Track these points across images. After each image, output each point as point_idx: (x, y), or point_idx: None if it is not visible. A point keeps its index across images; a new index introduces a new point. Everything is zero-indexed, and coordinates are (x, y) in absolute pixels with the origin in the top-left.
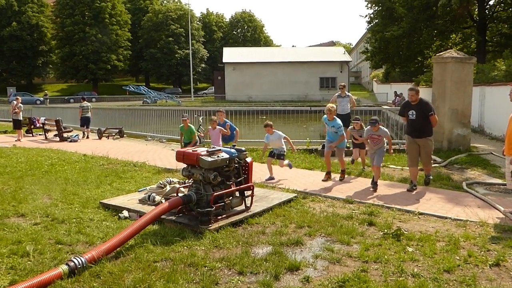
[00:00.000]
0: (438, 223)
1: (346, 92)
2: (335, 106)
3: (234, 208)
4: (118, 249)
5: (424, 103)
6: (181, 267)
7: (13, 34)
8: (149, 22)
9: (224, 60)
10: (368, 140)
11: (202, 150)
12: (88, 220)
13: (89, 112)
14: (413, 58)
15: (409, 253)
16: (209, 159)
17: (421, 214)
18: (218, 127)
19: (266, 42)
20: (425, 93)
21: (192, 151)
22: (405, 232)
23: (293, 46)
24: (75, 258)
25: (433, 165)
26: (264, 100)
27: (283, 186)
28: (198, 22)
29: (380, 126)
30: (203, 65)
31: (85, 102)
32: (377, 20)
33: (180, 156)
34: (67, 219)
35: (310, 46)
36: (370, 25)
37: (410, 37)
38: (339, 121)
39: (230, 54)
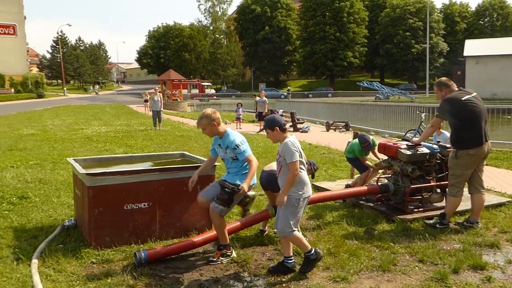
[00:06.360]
0: None
1: None
2: None
3: (434, 204)
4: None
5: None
6: (366, 246)
7: (265, 37)
8: (386, 18)
9: (465, 54)
10: None
11: (402, 144)
12: None
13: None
14: None
15: None
16: (408, 152)
17: None
18: None
19: None
20: None
21: (393, 144)
22: None
23: None
24: None
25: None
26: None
27: (501, 190)
28: (438, 14)
29: None
30: (441, 60)
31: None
32: None
33: (382, 148)
34: None
35: None
36: None
37: None
38: None
39: (473, 47)
